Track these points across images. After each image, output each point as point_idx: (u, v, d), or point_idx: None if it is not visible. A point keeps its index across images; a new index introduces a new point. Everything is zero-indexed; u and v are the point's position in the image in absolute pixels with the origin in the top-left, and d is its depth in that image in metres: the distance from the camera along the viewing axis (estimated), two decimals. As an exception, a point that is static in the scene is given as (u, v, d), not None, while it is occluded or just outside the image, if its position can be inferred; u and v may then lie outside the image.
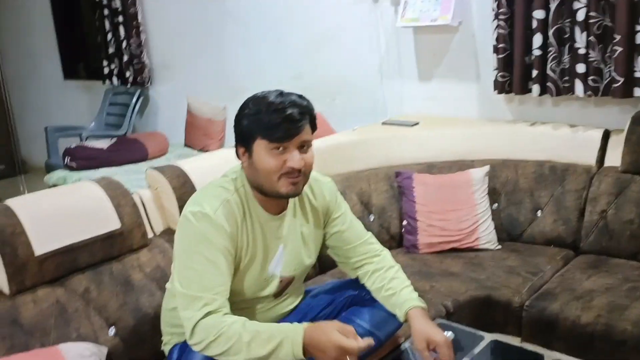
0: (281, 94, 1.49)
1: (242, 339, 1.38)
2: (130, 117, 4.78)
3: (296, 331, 1.39)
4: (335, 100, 3.60)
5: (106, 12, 4.87)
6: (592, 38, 2.47)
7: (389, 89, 3.38)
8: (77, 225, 1.81)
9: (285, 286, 1.69)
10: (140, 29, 4.69)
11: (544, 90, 2.67)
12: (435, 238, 2.54)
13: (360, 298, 1.76)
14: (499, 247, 2.56)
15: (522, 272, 2.33)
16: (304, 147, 1.50)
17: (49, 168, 4.45)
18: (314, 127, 1.55)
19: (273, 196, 1.54)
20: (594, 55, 2.49)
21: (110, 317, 1.79)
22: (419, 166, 2.79)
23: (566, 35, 2.57)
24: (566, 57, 2.59)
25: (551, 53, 2.58)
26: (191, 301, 1.44)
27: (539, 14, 2.58)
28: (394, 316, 1.70)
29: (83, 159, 4.07)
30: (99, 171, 3.99)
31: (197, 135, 4.36)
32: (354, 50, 3.49)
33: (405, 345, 1.81)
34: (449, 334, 1.62)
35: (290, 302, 1.76)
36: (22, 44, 5.89)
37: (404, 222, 2.63)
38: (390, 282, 1.70)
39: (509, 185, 2.69)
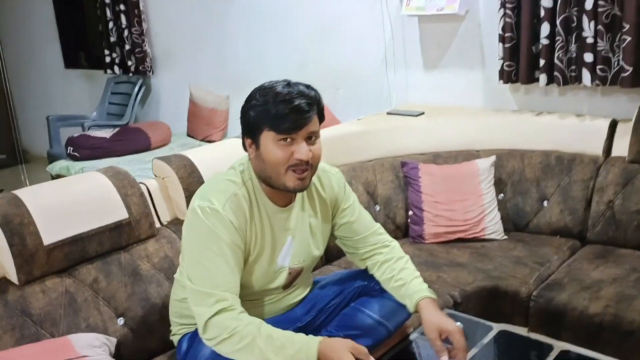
0: (289, 84, 1.47)
1: (256, 341, 1.38)
2: (133, 106, 4.76)
3: (310, 346, 1.38)
4: (340, 89, 3.58)
5: (107, 0, 4.83)
6: (600, 27, 2.45)
7: (394, 78, 3.36)
8: (85, 215, 1.80)
9: (294, 278, 1.69)
10: (142, 17, 4.66)
11: (550, 80, 2.65)
12: (442, 228, 2.54)
13: (370, 288, 1.76)
14: (505, 237, 2.56)
15: (529, 262, 2.33)
16: (311, 138, 1.48)
17: (51, 158, 4.44)
18: (321, 118, 1.53)
19: (280, 189, 1.53)
20: (602, 44, 2.47)
21: (119, 307, 1.79)
22: (424, 156, 2.78)
23: (574, 24, 2.55)
24: (573, 46, 2.57)
25: (558, 42, 2.56)
26: (203, 297, 1.44)
27: (546, 2, 2.56)
28: (403, 307, 1.70)
29: (86, 149, 4.06)
30: (102, 161, 3.98)
31: (200, 125, 4.35)
32: (359, 39, 3.47)
33: (414, 335, 1.82)
34: (457, 324, 1.62)
35: (299, 293, 1.76)
36: (23, 33, 5.85)
37: (410, 213, 2.63)
38: (400, 273, 1.70)
39: (515, 175, 2.68)
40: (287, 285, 1.69)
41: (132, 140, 4.22)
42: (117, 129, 4.34)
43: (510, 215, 2.65)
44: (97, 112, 5.07)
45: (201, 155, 2.19)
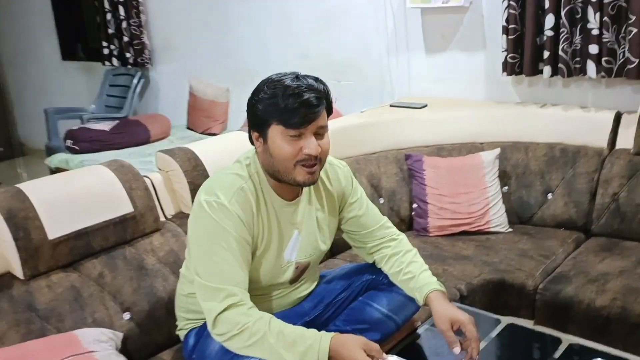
0: (297, 77, 1.44)
1: (266, 337, 1.37)
2: (132, 99, 4.73)
3: (322, 342, 1.37)
4: (342, 81, 3.56)
5: (105, -9, 4.80)
6: (606, 18, 2.44)
7: (396, 70, 3.34)
8: (90, 209, 1.78)
9: (301, 272, 1.68)
10: (141, 8, 4.61)
11: (555, 72, 2.64)
12: (446, 221, 2.53)
13: (378, 282, 1.75)
14: (510, 230, 2.55)
15: (534, 255, 2.32)
16: (320, 132, 1.47)
17: (50, 151, 4.41)
18: (329, 112, 1.51)
19: (289, 183, 1.51)
20: (607, 35, 2.46)
21: (125, 302, 1.78)
22: (428, 149, 2.77)
23: (578, 16, 2.53)
24: (578, 38, 2.56)
25: (563, 34, 2.55)
26: (212, 292, 1.42)
27: (551, -7, 2.55)
28: (411, 300, 1.69)
29: (85, 141, 4.03)
30: (102, 154, 3.95)
31: (200, 118, 4.32)
32: (361, 30, 3.44)
33: (422, 329, 1.81)
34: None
35: (306, 288, 1.74)
36: (19, 24, 5.79)
37: (414, 205, 2.62)
38: (409, 266, 1.68)
39: (520, 167, 2.67)
40: (294, 280, 1.67)
41: (132, 133, 4.19)
42: (116, 122, 4.31)
43: (515, 208, 2.64)
44: (96, 104, 5.03)
45: (205, 148, 2.17)
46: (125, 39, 4.74)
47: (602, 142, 2.58)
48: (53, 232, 1.68)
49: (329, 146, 1.51)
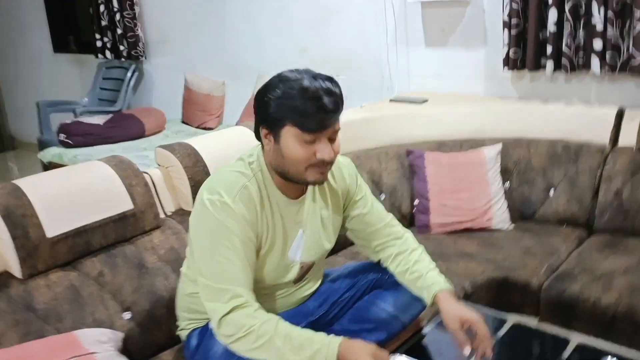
0: (314, 76, 1.39)
1: (273, 340, 1.34)
2: (125, 92, 4.66)
3: (330, 347, 1.34)
4: (340, 75, 3.50)
5: (98, -18, 4.73)
6: (610, 14, 2.41)
7: (396, 64, 3.30)
8: (89, 206, 1.74)
9: (305, 272, 1.64)
10: (135, 0, 4.54)
11: (557, 67, 2.62)
12: (448, 218, 2.51)
13: (384, 281, 1.72)
14: (512, 226, 2.53)
15: (538, 252, 2.30)
16: (333, 137, 1.43)
17: (42, 144, 4.34)
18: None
19: (299, 183, 1.48)
20: (611, 31, 2.44)
21: (125, 301, 1.74)
22: (429, 144, 2.74)
23: (582, 10, 2.51)
24: (581, 33, 2.53)
25: (567, 29, 2.52)
26: (217, 293, 1.39)
27: (555, -13, 2.52)
28: (417, 299, 1.66)
29: (79, 135, 3.97)
30: (95, 148, 3.90)
31: (195, 112, 4.27)
32: (361, 24, 3.41)
33: (427, 328, 1.78)
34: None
35: (310, 287, 1.71)
36: (9, 15, 5.70)
37: (416, 202, 2.59)
38: (415, 265, 1.66)
39: (521, 164, 2.65)
40: (298, 279, 1.64)
41: (126, 127, 4.13)
42: (110, 116, 4.25)
43: (517, 205, 2.62)
44: (89, 98, 4.96)
45: (205, 143, 2.13)
46: (119, 31, 4.68)
47: (604, 138, 2.56)
48: (52, 230, 1.64)
49: (340, 148, 1.47)
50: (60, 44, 5.44)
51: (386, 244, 1.72)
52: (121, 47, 4.71)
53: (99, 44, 4.88)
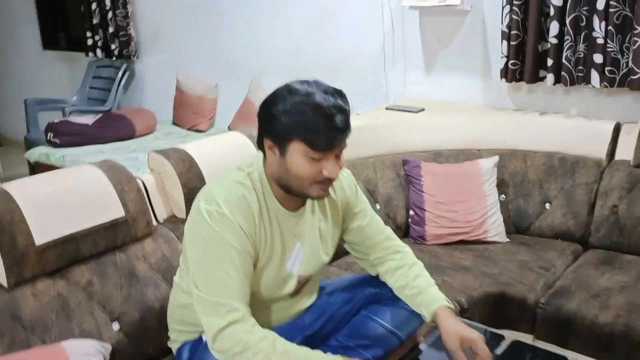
0: (325, 91, 1.34)
1: (270, 357, 1.30)
2: (116, 92, 4.59)
3: None
4: (335, 81, 3.47)
5: (90, -21, 4.65)
6: (610, 28, 2.40)
7: (392, 72, 3.27)
8: (80, 212, 1.69)
9: (302, 285, 1.60)
10: (127, -1, 4.49)
11: (557, 80, 2.60)
12: (444, 229, 2.48)
13: (382, 296, 1.68)
14: (508, 240, 2.51)
15: (534, 267, 2.28)
16: (339, 154, 1.40)
17: (29, 143, 4.26)
18: None
19: (300, 197, 1.45)
20: (612, 45, 2.42)
21: (114, 311, 1.69)
22: (425, 154, 2.71)
23: (583, 24, 2.49)
24: (581, 46, 2.52)
25: (567, 42, 2.50)
26: (213, 307, 1.34)
27: (556, 0, 2.49)
28: (416, 315, 1.63)
29: (67, 135, 3.88)
30: (84, 148, 3.83)
31: (187, 113, 4.21)
32: (357, 29, 3.37)
33: (424, 345, 1.75)
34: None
35: (306, 300, 1.67)
36: (-2, 11, 5.61)
37: (411, 212, 2.56)
38: (415, 280, 1.62)
39: (518, 176, 2.63)
40: (295, 293, 1.60)
41: (116, 128, 4.05)
42: (99, 115, 4.17)
43: (512, 217, 2.60)
44: (78, 96, 4.88)
45: (200, 149, 2.08)
46: (111, 29, 4.61)
47: (601, 152, 2.54)
48: (40, 237, 1.58)
49: (344, 163, 1.44)
50: (50, 41, 5.36)
51: (385, 257, 1.68)
52: (112, 46, 4.64)
53: (89, 41, 4.81)
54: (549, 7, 2.54)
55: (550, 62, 2.57)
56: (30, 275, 1.58)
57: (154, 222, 1.95)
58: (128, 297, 1.72)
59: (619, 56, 2.44)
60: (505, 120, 2.76)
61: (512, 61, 2.70)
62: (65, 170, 1.85)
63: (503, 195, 2.61)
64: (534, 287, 2.14)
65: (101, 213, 1.73)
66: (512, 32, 2.66)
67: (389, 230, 1.72)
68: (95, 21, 4.71)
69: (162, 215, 1.99)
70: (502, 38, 2.70)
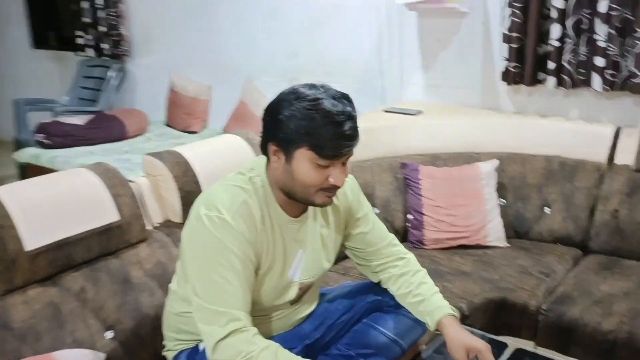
0: (333, 96, 1.30)
1: None
2: (107, 92, 4.52)
3: None
4: (331, 83, 3.43)
5: (82, -22, 4.58)
6: (612, 31, 2.38)
7: (389, 73, 3.24)
8: (72, 217, 1.63)
9: (303, 292, 1.56)
10: (120, -2, 4.42)
11: (558, 83, 2.57)
12: (443, 234, 2.44)
13: (384, 304, 1.64)
14: (508, 244, 2.47)
15: (534, 272, 2.25)
16: (346, 161, 1.36)
17: (19, 144, 4.17)
18: None
19: (304, 204, 1.42)
20: (613, 48, 2.40)
21: (108, 319, 1.63)
22: (423, 157, 2.68)
23: (584, 27, 2.47)
24: (583, 49, 2.49)
25: (568, 44, 2.48)
26: (213, 316, 1.30)
27: (558, 2, 2.47)
28: (418, 323, 1.60)
29: (58, 136, 3.81)
30: (75, 150, 3.76)
31: (180, 115, 4.15)
32: (354, 31, 3.33)
33: (426, 353, 1.71)
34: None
35: (306, 308, 1.63)
36: (-13, 9, 5.52)
37: (410, 216, 2.52)
38: (419, 288, 1.58)
39: (517, 180, 2.60)
40: (296, 300, 1.56)
41: (107, 128, 3.99)
42: (91, 116, 4.10)
43: (511, 222, 2.57)
44: (69, 96, 4.79)
45: (196, 152, 2.04)
46: (102, 29, 4.54)
47: (601, 156, 2.52)
48: (31, 242, 1.53)
49: (350, 170, 1.41)
50: (40, 40, 5.28)
51: (387, 264, 1.65)
52: (104, 45, 4.57)
53: (80, 41, 4.74)
54: (550, 10, 2.52)
55: (551, 65, 2.55)
56: (21, 283, 1.53)
57: (149, 227, 1.90)
58: (122, 304, 1.67)
59: (620, 59, 2.42)
60: (504, 124, 2.73)
61: (513, 64, 2.67)
62: (57, 174, 1.79)
63: (502, 199, 2.58)
64: (535, 293, 2.11)
65: (94, 218, 1.68)
66: (513, 35, 2.63)
67: (391, 237, 1.68)
68: (86, 20, 4.65)
69: (157, 219, 1.95)
70: (504, 40, 2.67)
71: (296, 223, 1.47)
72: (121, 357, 1.63)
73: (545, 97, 2.78)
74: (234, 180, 1.42)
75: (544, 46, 2.60)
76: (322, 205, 1.41)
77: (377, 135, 2.72)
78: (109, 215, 1.71)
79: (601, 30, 2.40)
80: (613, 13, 2.36)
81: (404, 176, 2.58)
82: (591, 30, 2.44)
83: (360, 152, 2.60)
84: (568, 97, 2.72)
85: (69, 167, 3.31)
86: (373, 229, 1.64)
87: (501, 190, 2.59)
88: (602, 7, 2.37)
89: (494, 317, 2.09)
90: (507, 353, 1.71)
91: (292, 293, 1.51)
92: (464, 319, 2.01)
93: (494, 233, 2.46)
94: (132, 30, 4.52)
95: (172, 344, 1.58)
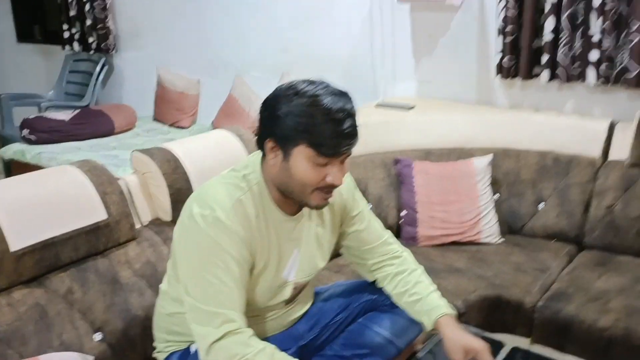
0: (333, 93, 1.27)
1: None
2: (94, 87, 4.45)
3: None
4: (322, 78, 3.40)
5: (67, -30, 4.49)
6: (607, 25, 2.36)
7: (381, 68, 3.20)
8: (59, 216, 1.59)
9: (298, 292, 1.53)
10: (106, -10, 4.34)
11: (552, 76, 2.55)
12: (436, 230, 2.41)
13: (379, 303, 1.62)
14: (501, 240, 2.45)
15: (528, 269, 2.23)
16: (344, 160, 1.33)
17: (4, 140, 4.10)
18: None
19: (299, 204, 1.38)
20: (608, 42, 2.38)
21: (97, 321, 1.59)
22: (416, 152, 2.64)
23: (579, 21, 2.45)
24: (578, 43, 2.47)
25: (563, 38, 2.46)
26: (207, 317, 1.26)
27: (552, -4, 2.45)
28: (414, 323, 1.57)
29: (43, 132, 3.74)
30: (61, 145, 3.69)
31: (168, 110, 4.09)
32: (345, 25, 3.29)
33: (422, 353, 1.68)
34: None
35: (301, 308, 1.60)
36: (-30, 2, 5.41)
37: (403, 213, 2.49)
38: (415, 287, 1.55)
39: (510, 176, 2.58)
40: (290, 300, 1.52)
41: (94, 124, 3.92)
42: (77, 111, 4.03)
43: (505, 218, 2.54)
44: (54, 91, 4.72)
45: (186, 148, 1.99)
46: (88, 22, 4.46)
47: (595, 151, 2.50)
48: (16, 242, 1.48)
49: (348, 169, 1.38)
50: (24, 33, 5.18)
51: (383, 262, 1.61)
52: (90, 39, 4.49)
53: (66, 34, 4.65)
54: (544, 3, 2.49)
55: (545, 58, 2.53)
56: (5, 284, 1.48)
57: (138, 226, 1.85)
58: (111, 305, 1.63)
59: (615, 53, 2.40)
60: (498, 119, 2.71)
61: (507, 57, 2.64)
62: (43, 171, 1.74)
63: (497, 195, 2.56)
64: (530, 290, 2.08)
65: (82, 216, 1.63)
66: (507, 28, 2.60)
67: (387, 234, 1.65)
68: (72, 13, 4.56)
69: (146, 217, 1.90)
70: (498, 34, 2.64)
71: (291, 221, 1.43)
72: (110, 359, 1.59)
73: (539, 91, 2.75)
74: (228, 177, 1.38)
75: (540, 40, 2.57)
76: (317, 208, 1.38)
77: (370, 131, 2.66)
78: (97, 213, 1.66)
79: (596, 24, 2.38)
80: (608, 7, 2.34)
81: (397, 172, 2.55)
82: (586, 23, 2.42)
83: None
84: (562, 92, 2.70)
85: (54, 163, 3.25)
86: (368, 227, 1.61)
87: (495, 186, 2.56)
88: (597, 0, 2.35)
89: (489, 314, 2.07)
90: (504, 352, 1.68)
91: (287, 293, 1.48)
92: (459, 317, 1.98)
93: (488, 229, 2.43)
94: (118, 23, 4.45)
95: (163, 345, 1.55)
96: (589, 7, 2.39)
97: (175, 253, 1.39)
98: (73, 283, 1.59)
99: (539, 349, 1.94)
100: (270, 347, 1.27)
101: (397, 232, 2.51)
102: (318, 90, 1.26)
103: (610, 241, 2.36)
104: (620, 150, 2.44)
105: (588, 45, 2.43)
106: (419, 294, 1.54)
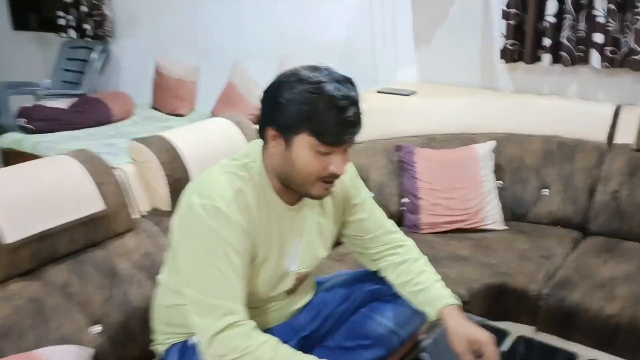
0: (337, 80, 1.24)
1: None
2: (91, 74, 4.40)
3: None
4: (323, 64, 3.35)
5: (62, -44, 4.43)
6: (612, 6, 2.31)
7: (382, 54, 3.15)
8: (55, 207, 1.56)
9: (300, 282, 1.50)
10: (102, -24, 4.28)
11: (556, 60, 2.50)
12: (440, 218, 2.38)
13: (382, 293, 1.58)
14: (506, 227, 2.42)
15: (533, 256, 2.20)
16: (347, 149, 1.30)
17: (0, 130, 4.06)
18: None
19: (300, 194, 1.35)
20: (613, 24, 2.33)
21: (95, 314, 1.57)
22: (418, 139, 2.60)
23: (583, 2, 2.39)
24: (582, 25, 2.42)
25: (567, 20, 2.41)
26: (208, 309, 1.23)
27: (556, -22, 2.40)
28: (418, 313, 1.54)
29: (40, 120, 3.69)
30: (59, 134, 3.65)
31: (166, 97, 4.05)
32: (345, 9, 3.24)
33: (426, 342, 1.66)
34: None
35: (302, 298, 1.57)
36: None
37: (405, 200, 2.46)
38: (419, 276, 1.52)
39: (514, 161, 2.54)
40: (292, 290, 1.49)
41: (92, 112, 3.88)
42: (74, 99, 3.98)
43: (509, 204, 2.51)
44: (51, 79, 4.67)
45: (184, 137, 1.96)
46: (84, 9, 4.40)
47: (600, 136, 2.47)
48: (12, 234, 1.45)
49: (351, 158, 1.34)
50: (20, 21, 5.12)
51: (386, 252, 1.58)
52: (86, 26, 4.44)
53: (62, 22, 4.60)
54: (549, -15, 2.45)
55: (548, 41, 2.48)
56: (2, 277, 1.46)
57: (136, 216, 1.82)
58: (109, 297, 1.60)
59: (620, 36, 2.36)
60: (501, 104, 2.67)
61: (511, 41, 2.60)
62: (37, 162, 1.71)
63: (501, 182, 2.52)
64: (535, 278, 2.06)
65: (78, 207, 1.60)
66: (512, 11, 2.55)
67: (390, 223, 1.62)
68: (67, 0, 4.49)
69: (144, 208, 1.87)
70: (502, 17, 2.59)
71: (293, 211, 1.40)
72: (110, 352, 1.56)
73: (544, 75, 2.71)
74: (228, 166, 1.35)
75: (544, 22, 2.52)
76: (318, 198, 1.35)
77: (371, 117, 2.56)
78: (94, 204, 1.63)
79: (601, 6, 2.33)
80: (613, -12, 2.29)
81: (399, 159, 2.51)
82: (590, 5, 2.37)
83: (354, 134, 2.56)
84: (567, 75, 2.65)
85: (52, 152, 3.21)
86: (371, 216, 1.58)
87: (498, 172, 2.53)
88: (602, -19, 2.30)
89: (493, 302, 2.04)
90: (509, 341, 1.66)
91: (289, 283, 1.45)
92: (463, 306, 1.96)
93: (492, 216, 2.40)
94: (115, 10, 4.39)
95: (163, 337, 1.52)
96: (594, -12, 2.34)
97: (175, 244, 1.36)
98: (70, 275, 1.57)
99: (544, 337, 1.91)
100: (273, 340, 1.25)
101: (400, 219, 2.48)
102: (321, 77, 1.23)
103: (615, 227, 2.33)
104: (626, 135, 2.41)
105: (593, 27, 2.38)
106: (423, 284, 1.51)
